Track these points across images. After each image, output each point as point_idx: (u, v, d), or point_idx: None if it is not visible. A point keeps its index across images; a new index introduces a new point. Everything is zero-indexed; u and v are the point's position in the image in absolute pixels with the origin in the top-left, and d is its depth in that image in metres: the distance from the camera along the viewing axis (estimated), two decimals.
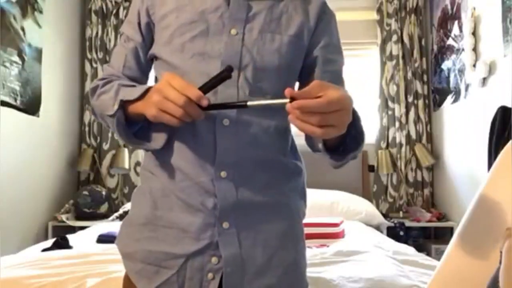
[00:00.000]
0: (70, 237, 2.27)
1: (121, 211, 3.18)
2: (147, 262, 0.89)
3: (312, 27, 0.94)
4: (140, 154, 3.67)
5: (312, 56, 0.95)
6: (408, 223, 3.30)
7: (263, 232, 0.89)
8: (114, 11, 3.73)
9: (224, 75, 0.78)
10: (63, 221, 3.17)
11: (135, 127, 0.90)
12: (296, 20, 0.92)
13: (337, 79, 0.98)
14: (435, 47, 3.56)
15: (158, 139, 0.87)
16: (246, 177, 0.87)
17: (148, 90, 0.83)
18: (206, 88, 0.79)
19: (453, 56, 3.19)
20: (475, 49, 2.79)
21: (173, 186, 0.89)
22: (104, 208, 3.34)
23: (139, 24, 0.95)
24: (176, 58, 0.90)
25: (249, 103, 0.76)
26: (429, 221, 3.28)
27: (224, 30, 0.88)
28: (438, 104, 3.51)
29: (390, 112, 3.70)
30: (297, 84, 1.00)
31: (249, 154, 0.88)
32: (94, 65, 3.71)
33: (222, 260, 0.86)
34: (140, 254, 0.90)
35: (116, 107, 0.84)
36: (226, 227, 0.86)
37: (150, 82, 1.00)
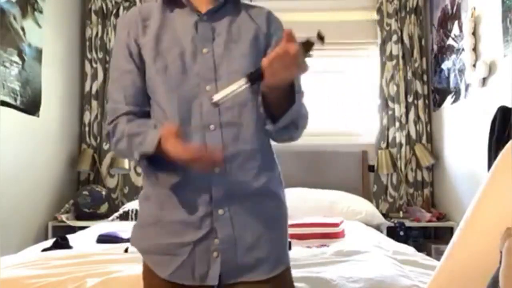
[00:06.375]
0: (70, 237, 2.27)
1: (121, 211, 3.17)
2: (162, 253, 1.06)
3: (265, 30, 1.15)
4: None
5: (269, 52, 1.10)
6: (408, 223, 3.30)
7: (253, 216, 1.06)
8: (114, 11, 3.73)
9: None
10: (63, 221, 3.18)
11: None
12: (251, 28, 1.14)
13: None
14: (435, 47, 3.56)
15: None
16: (236, 170, 1.05)
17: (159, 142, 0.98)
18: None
19: (453, 56, 3.19)
20: (475, 49, 2.79)
21: (175, 188, 1.05)
22: (104, 208, 3.34)
23: (130, 54, 1.11)
24: (161, 77, 1.07)
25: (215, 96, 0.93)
26: (429, 221, 3.28)
27: (198, 51, 1.08)
28: (438, 104, 3.51)
29: (390, 112, 3.70)
30: None
31: (236, 150, 1.05)
32: (94, 65, 3.71)
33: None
34: (154, 248, 1.08)
35: (137, 158, 1.03)
36: (221, 213, 1.04)
37: None
